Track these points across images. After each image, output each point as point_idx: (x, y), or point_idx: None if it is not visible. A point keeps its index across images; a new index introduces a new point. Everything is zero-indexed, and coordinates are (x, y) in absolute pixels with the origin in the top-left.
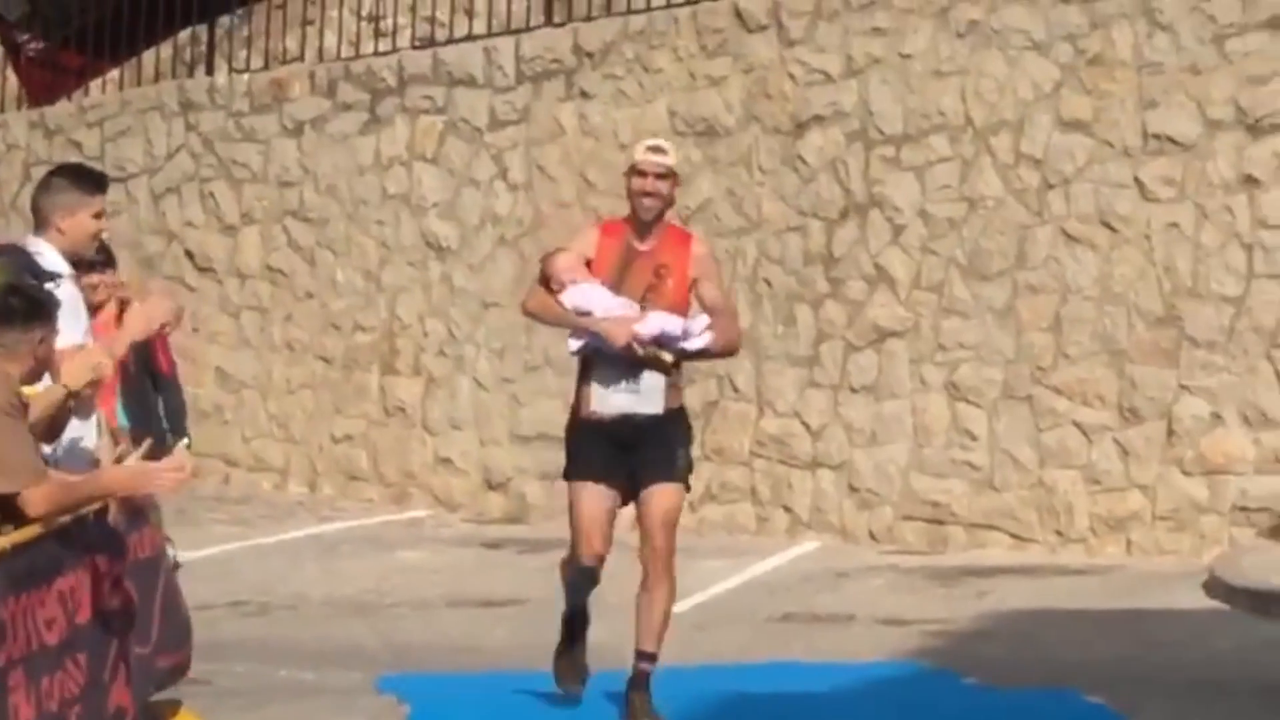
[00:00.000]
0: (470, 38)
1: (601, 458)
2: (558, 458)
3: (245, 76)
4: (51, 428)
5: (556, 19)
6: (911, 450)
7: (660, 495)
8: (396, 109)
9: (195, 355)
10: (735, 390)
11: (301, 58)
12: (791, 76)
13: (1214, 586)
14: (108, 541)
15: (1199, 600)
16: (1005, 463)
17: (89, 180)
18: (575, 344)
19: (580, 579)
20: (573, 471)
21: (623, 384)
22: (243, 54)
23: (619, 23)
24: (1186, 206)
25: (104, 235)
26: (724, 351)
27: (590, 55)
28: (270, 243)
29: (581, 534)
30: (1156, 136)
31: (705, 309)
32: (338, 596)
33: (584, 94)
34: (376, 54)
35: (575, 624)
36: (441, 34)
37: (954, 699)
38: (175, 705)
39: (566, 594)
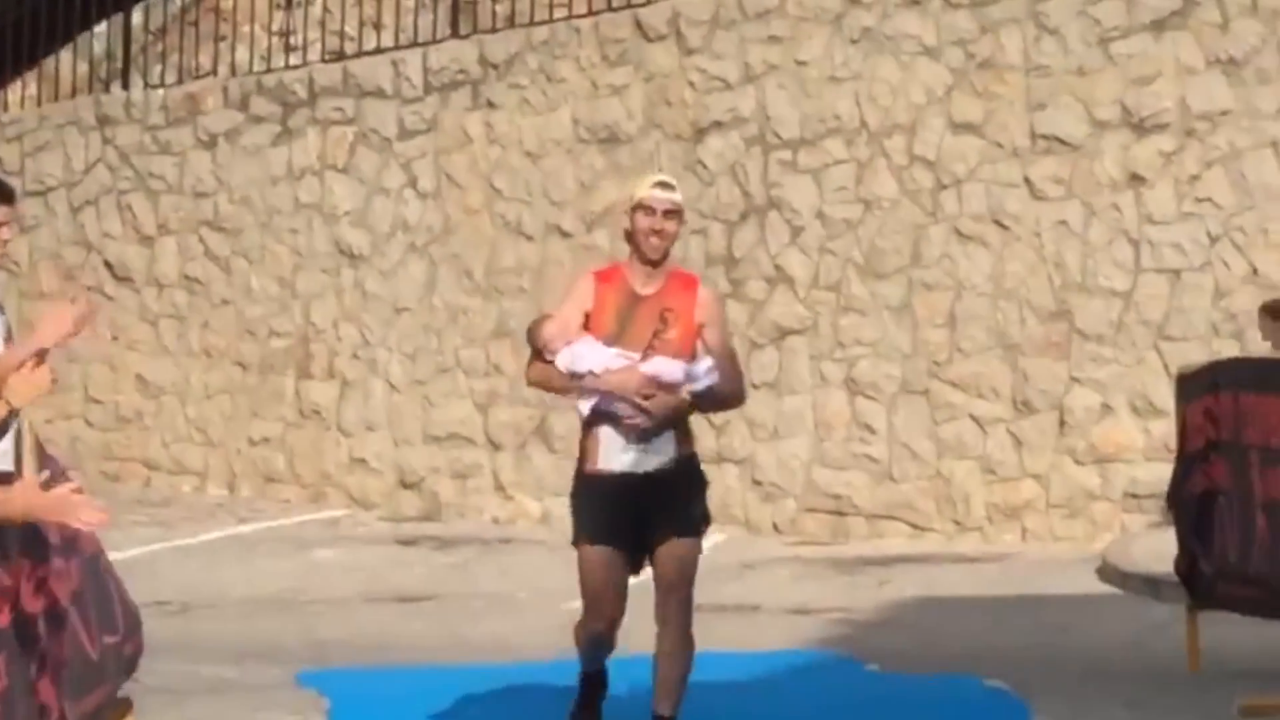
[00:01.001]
0: (378, 50)
1: (610, 517)
2: (468, 456)
3: (160, 91)
4: None
5: (462, 31)
6: (813, 444)
7: (673, 551)
8: (308, 121)
9: (115, 363)
10: None
11: (215, 72)
12: (691, 84)
13: (1107, 572)
14: (29, 544)
15: (1092, 585)
16: (903, 455)
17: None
18: (585, 407)
19: (593, 646)
20: (580, 534)
21: (632, 437)
22: (157, 69)
23: (523, 34)
24: (1075, 204)
25: (5, 243)
26: (726, 400)
27: (495, 66)
28: (187, 252)
29: (592, 601)
30: (1045, 137)
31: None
32: (257, 595)
33: (490, 104)
34: (288, 68)
35: (591, 687)
36: (350, 47)
37: (856, 686)
38: (126, 705)
39: (581, 658)
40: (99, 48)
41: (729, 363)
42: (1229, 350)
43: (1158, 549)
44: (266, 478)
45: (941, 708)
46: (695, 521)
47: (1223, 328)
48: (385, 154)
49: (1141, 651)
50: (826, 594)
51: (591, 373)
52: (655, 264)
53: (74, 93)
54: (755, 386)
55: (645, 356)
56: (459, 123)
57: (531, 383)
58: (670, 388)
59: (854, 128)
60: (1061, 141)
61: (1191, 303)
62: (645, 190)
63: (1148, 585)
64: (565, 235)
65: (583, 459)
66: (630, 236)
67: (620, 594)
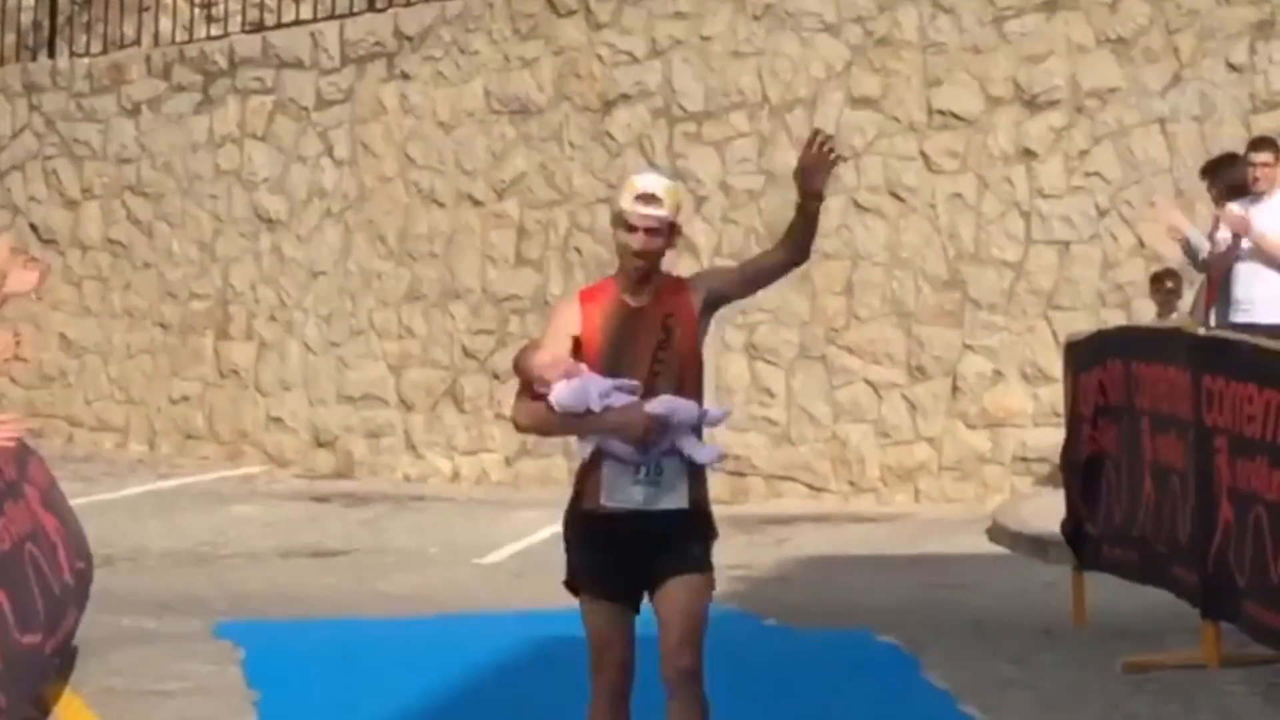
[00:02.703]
0: (297, 22)
1: (612, 564)
2: (381, 415)
3: (85, 60)
4: None
5: (378, 4)
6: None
7: (679, 591)
8: (228, 90)
9: (40, 322)
10: None
11: (139, 42)
12: (599, 58)
13: (996, 532)
14: None
15: (982, 545)
16: (801, 418)
17: None
18: (586, 450)
19: (604, 700)
20: (578, 581)
21: (640, 472)
22: (83, 39)
23: (437, 8)
24: (969, 178)
25: None
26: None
27: (410, 39)
28: (110, 216)
29: (598, 653)
30: (940, 112)
31: (762, 266)
32: (176, 549)
33: (405, 75)
34: (209, 38)
35: None
36: (270, 19)
37: (756, 640)
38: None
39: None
40: (26, 18)
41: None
42: (1116, 319)
43: (1045, 511)
44: (186, 435)
45: (835, 661)
46: (704, 559)
47: (1110, 298)
48: (303, 123)
49: (1028, 609)
50: (726, 552)
51: (590, 411)
52: (643, 282)
53: (2, 61)
54: None
55: (651, 379)
56: (374, 93)
57: (523, 428)
58: (683, 426)
59: (756, 102)
60: (956, 117)
61: (1080, 273)
62: (627, 202)
63: (1035, 546)
64: (477, 203)
65: (581, 493)
66: (616, 245)
67: (627, 650)
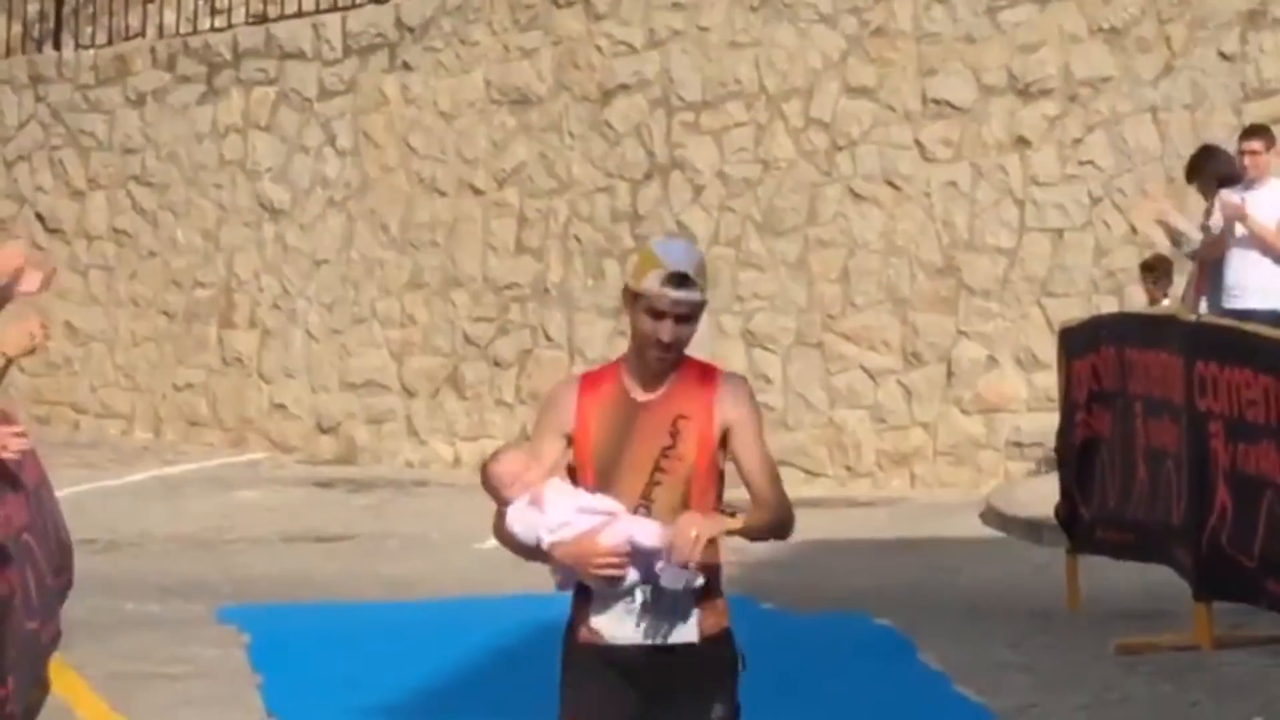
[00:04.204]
0: (300, 14)
1: (609, 706)
2: (383, 402)
3: (91, 51)
4: None
5: None
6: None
7: None
8: (232, 81)
9: (46, 310)
10: (549, 339)
11: (143, 34)
12: (598, 48)
13: (990, 516)
14: None
15: (977, 529)
16: (798, 404)
17: None
18: (556, 579)
19: None
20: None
21: (638, 598)
22: (88, 30)
23: (437, 0)
24: (963, 166)
25: None
26: (768, 536)
27: (412, 30)
28: (115, 206)
29: None
30: (935, 101)
31: (745, 482)
32: (181, 534)
33: (406, 66)
34: (213, 30)
35: None
36: (273, 10)
37: (753, 623)
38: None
39: None
40: (32, 9)
41: (770, 483)
42: (1109, 306)
43: (1039, 495)
44: (190, 422)
45: (832, 643)
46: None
47: (1103, 284)
48: (306, 113)
49: (1023, 592)
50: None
51: (542, 545)
52: (662, 378)
53: (8, 52)
54: None
55: (648, 494)
56: (376, 84)
57: (499, 541)
58: (645, 561)
59: (753, 91)
60: (951, 106)
61: (1073, 261)
62: (653, 284)
63: (1029, 529)
64: (478, 192)
65: (574, 623)
66: (631, 329)
67: None
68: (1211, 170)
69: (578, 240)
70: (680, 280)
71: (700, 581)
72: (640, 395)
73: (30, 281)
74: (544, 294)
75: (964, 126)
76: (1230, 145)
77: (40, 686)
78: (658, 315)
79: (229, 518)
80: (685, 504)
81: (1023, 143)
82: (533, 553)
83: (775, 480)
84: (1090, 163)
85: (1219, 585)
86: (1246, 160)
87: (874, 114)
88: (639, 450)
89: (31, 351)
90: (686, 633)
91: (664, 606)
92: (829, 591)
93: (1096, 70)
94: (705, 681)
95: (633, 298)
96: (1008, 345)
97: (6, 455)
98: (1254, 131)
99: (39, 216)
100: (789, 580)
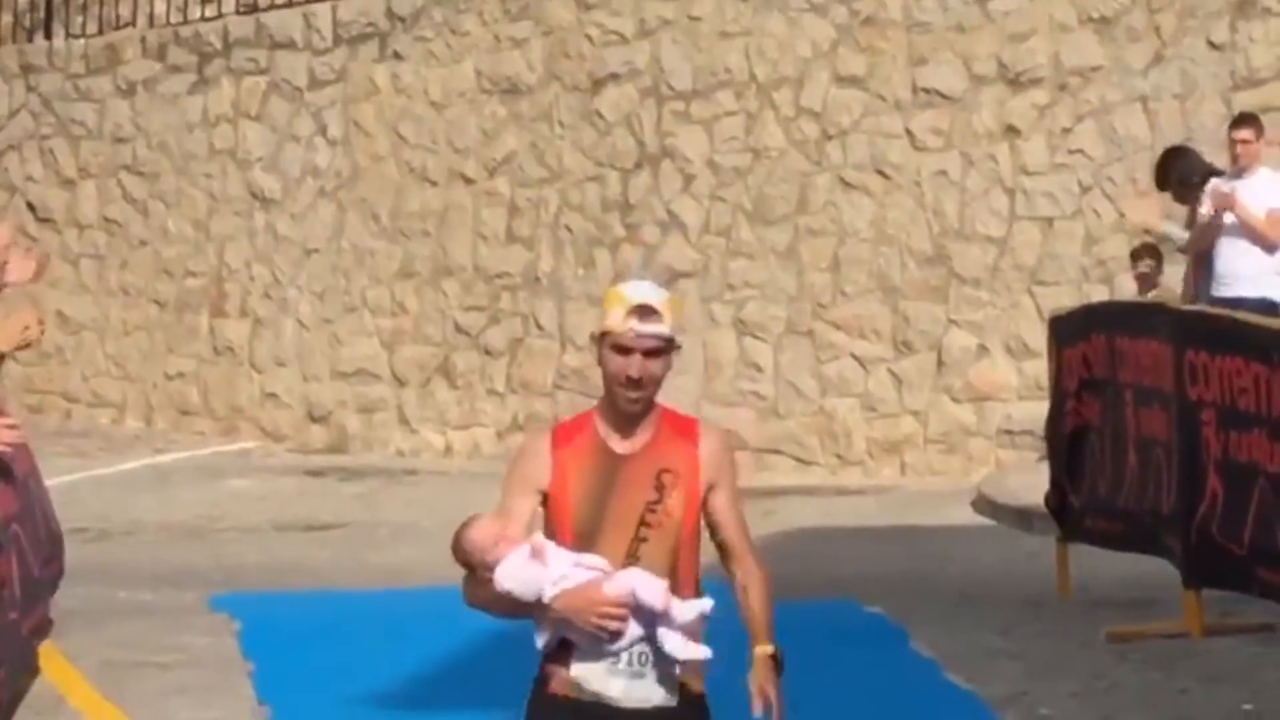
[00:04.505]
0: (290, 4)
1: None
2: (374, 391)
3: (81, 41)
4: None
5: None
6: (702, 381)
7: None
8: (222, 70)
9: (37, 300)
10: (540, 328)
11: (134, 23)
12: (589, 38)
13: (981, 504)
14: None
15: (968, 517)
16: (789, 392)
17: None
18: (541, 640)
19: None
20: None
21: (622, 660)
22: (79, 20)
23: None
24: (953, 155)
25: None
26: (762, 607)
27: (402, 19)
28: (106, 195)
29: None
30: (925, 90)
31: (721, 540)
32: (172, 522)
33: (397, 55)
34: (203, 19)
35: None
36: (264, 1)
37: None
38: (48, 624)
39: None
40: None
41: (749, 544)
42: (1099, 294)
43: (1030, 483)
44: (181, 411)
45: (823, 631)
46: None
47: (1093, 273)
48: (296, 103)
49: (1013, 580)
50: None
51: (542, 596)
52: (635, 421)
53: None
54: None
55: (632, 552)
56: (367, 73)
57: (473, 605)
58: (647, 613)
59: (744, 80)
60: (941, 95)
61: (1063, 249)
62: (617, 320)
63: (1020, 517)
64: (468, 181)
65: (545, 675)
66: (602, 375)
67: None
68: (1181, 172)
69: (568, 229)
70: (645, 312)
71: (707, 654)
72: (620, 447)
73: (22, 270)
74: (535, 283)
75: (954, 115)
76: (1220, 134)
77: (29, 673)
78: (624, 351)
79: (220, 506)
80: (674, 562)
81: (1013, 132)
82: (520, 609)
83: (749, 537)
84: (1080, 152)
85: (1209, 573)
86: (1238, 149)
87: (864, 103)
88: (623, 505)
89: (26, 345)
90: (668, 697)
91: (651, 671)
92: (819, 579)
93: (1086, 59)
94: None
95: (600, 340)
96: (998, 333)
97: (2, 444)
98: (1244, 120)
99: (30, 205)
100: (779, 568)
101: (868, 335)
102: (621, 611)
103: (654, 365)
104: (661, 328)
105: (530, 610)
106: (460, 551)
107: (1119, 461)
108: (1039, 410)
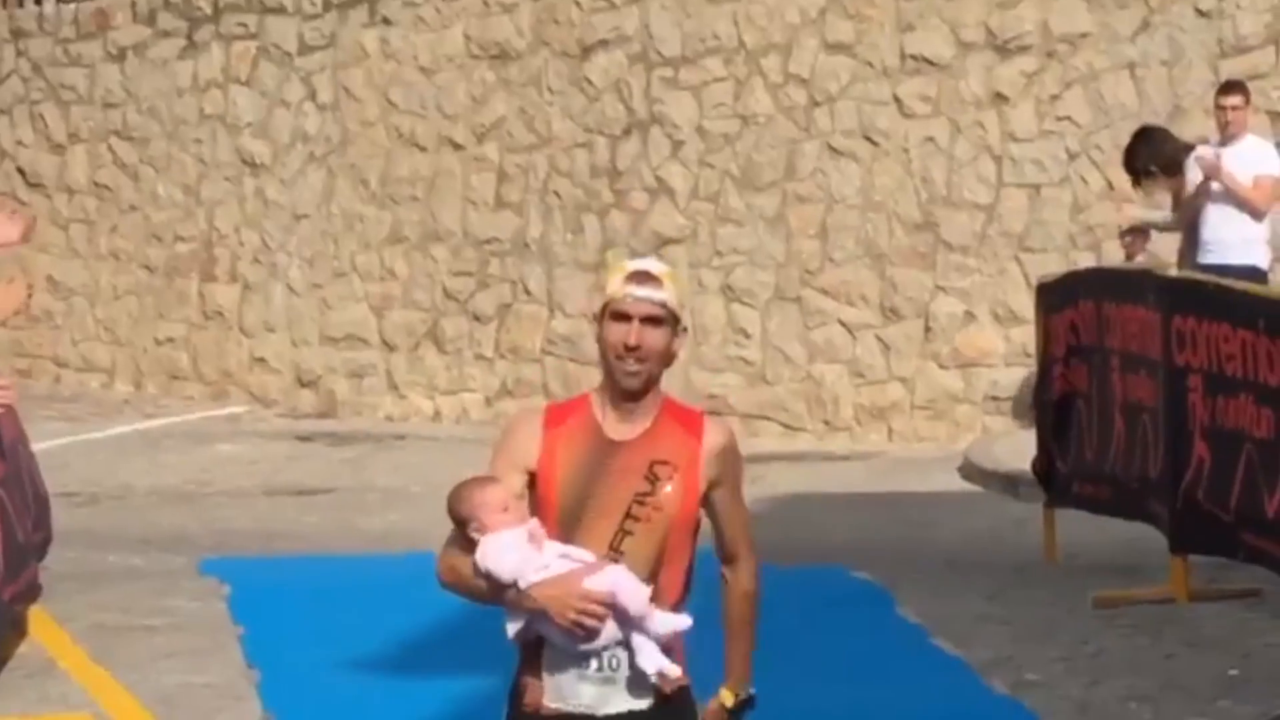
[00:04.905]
0: None
1: None
2: (363, 356)
3: (71, 6)
4: None
5: None
6: (690, 347)
7: None
8: (212, 35)
9: (27, 264)
10: (528, 293)
11: None
12: (578, 3)
13: (968, 470)
14: None
15: (955, 483)
16: (776, 358)
17: None
18: (512, 629)
19: None
20: None
21: (592, 666)
22: None
23: None
24: (941, 122)
25: None
26: (743, 635)
27: None
28: (96, 160)
29: None
30: (913, 57)
31: (721, 540)
32: (162, 486)
33: (386, 20)
34: None
35: None
36: None
37: None
38: (36, 590)
39: None
40: None
41: (748, 548)
42: (1086, 261)
43: (1017, 449)
44: (171, 375)
45: (811, 597)
46: None
47: (1080, 240)
48: (286, 68)
49: (1000, 546)
50: None
51: (516, 586)
52: (637, 396)
53: None
54: None
55: (616, 545)
56: (356, 39)
57: (444, 584)
58: (625, 616)
59: (732, 47)
60: (929, 62)
61: (1051, 216)
62: (616, 285)
63: (1007, 483)
64: (457, 147)
65: (519, 686)
66: (601, 352)
67: None
68: (1148, 155)
69: (557, 195)
70: (643, 278)
71: (677, 673)
72: (615, 432)
73: (8, 232)
74: (524, 249)
75: (942, 82)
76: (1207, 101)
77: (19, 633)
78: (622, 318)
79: (209, 471)
80: (659, 558)
81: (1000, 99)
82: (492, 595)
83: (750, 539)
84: (1068, 119)
85: (1196, 539)
86: (1226, 116)
87: (852, 70)
88: (611, 494)
89: (20, 314)
90: (642, 701)
91: (623, 677)
92: (807, 545)
93: (1074, 26)
94: None
95: (600, 314)
96: (985, 300)
97: None
98: (1231, 87)
99: (20, 170)
100: (767, 534)
101: (855, 302)
102: (600, 609)
103: (653, 335)
104: (660, 294)
105: (500, 597)
106: (460, 503)
107: (1106, 427)
108: (1026, 376)
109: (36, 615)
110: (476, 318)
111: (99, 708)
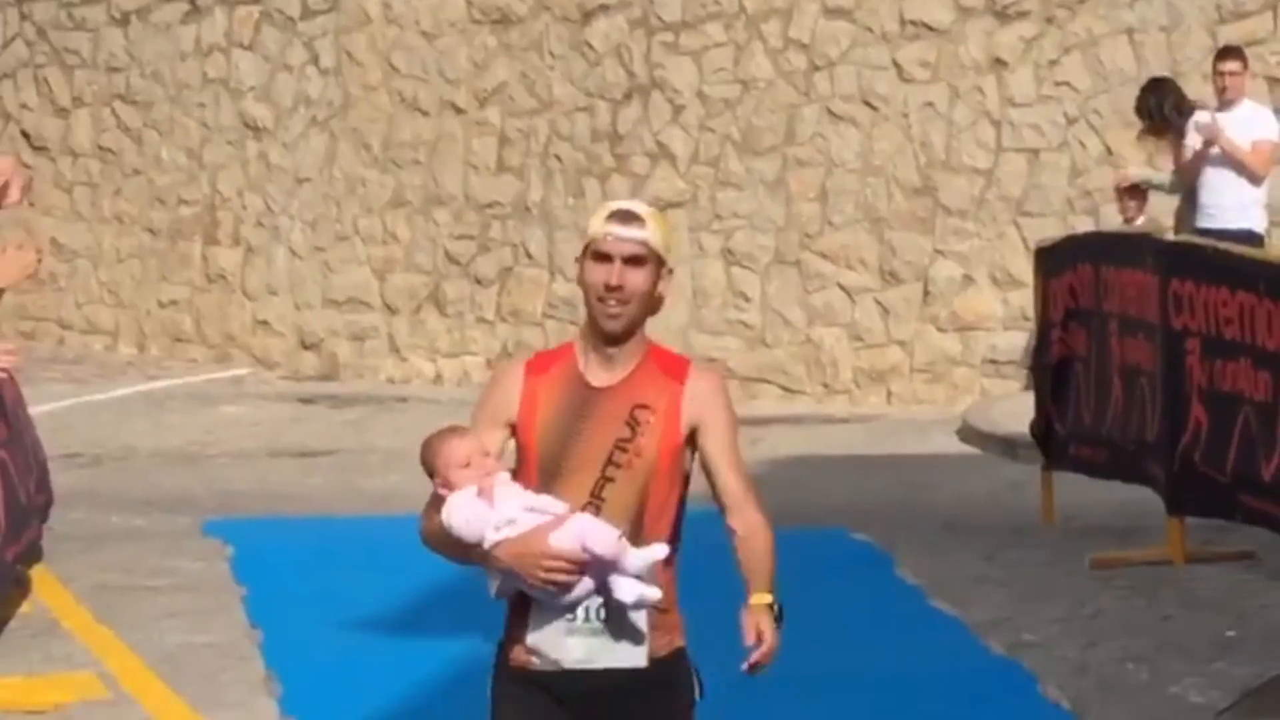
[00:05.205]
0: None
1: None
2: (365, 319)
3: None
4: None
5: None
6: (691, 311)
7: None
8: (215, 0)
9: (32, 227)
10: (529, 257)
11: None
12: None
13: (967, 433)
14: None
15: (953, 445)
16: (776, 321)
17: None
18: (493, 586)
19: None
20: None
21: (578, 617)
22: None
23: None
24: (940, 87)
25: None
26: (764, 557)
27: None
28: (100, 124)
29: None
30: (913, 23)
31: (716, 489)
32: (165, 448)
33: None
34: None
35: None
36: None
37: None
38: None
39: None
40: None
41: (746, 491)
42: (1084, 225)
43: (1015, 412)
44: (175, 338)
45: (811, 559)
46: None
47: (1078, 204)
48: (289, 32)
49: (998, 508)
50: None
51: (483, 541)
52: (618, 339)
53: None
54: None
55: (598, 493)
56: (359, 3)
57: (426, 544)
58: (598, 562)
59: (733, 12)
60: (928, 27)
61: (1049, 180)
62: (597, 224)
63: (1005, 446)
64: (459, 111)
65: (506, 644)
66: (584, 294)
67: None
68: (1157, 103)
69: (558, 159)
70: (624, 217)
71: (658, 596)
72: (596, 379)
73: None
74: (525, 212)
75: (941, 48)
76: (1205, 66)
77: (22, 593)
78: (603, 258)
79: (213, 433)
80: (642, 506)
81: (999, 64)
82: (467, 551)
83: (751, 487)
84: (1066, 84)
85: (1192, 501)
86: (1225, 81)
87: (852, 35)
88: (591, 442)
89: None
90: (635, 656)
91: (611, 625)
92: (807, 507)
93: None
94: (653, 712)
95: (582, 253)
96: (984, 264)
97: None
98: (1229, 53)
99: (24, 134)
100: (768, 496)
101: (854, 265)
102: (566, 565)
103: (635, 275)
104: (642, 233)
105: (470, 556)
106: (429, 457)
107: (1104, 391)
108: (1024, 340)
109: (40, 575)
110: (478, 281)
111: (103, 667)
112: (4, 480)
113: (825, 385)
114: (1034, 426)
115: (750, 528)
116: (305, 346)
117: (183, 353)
